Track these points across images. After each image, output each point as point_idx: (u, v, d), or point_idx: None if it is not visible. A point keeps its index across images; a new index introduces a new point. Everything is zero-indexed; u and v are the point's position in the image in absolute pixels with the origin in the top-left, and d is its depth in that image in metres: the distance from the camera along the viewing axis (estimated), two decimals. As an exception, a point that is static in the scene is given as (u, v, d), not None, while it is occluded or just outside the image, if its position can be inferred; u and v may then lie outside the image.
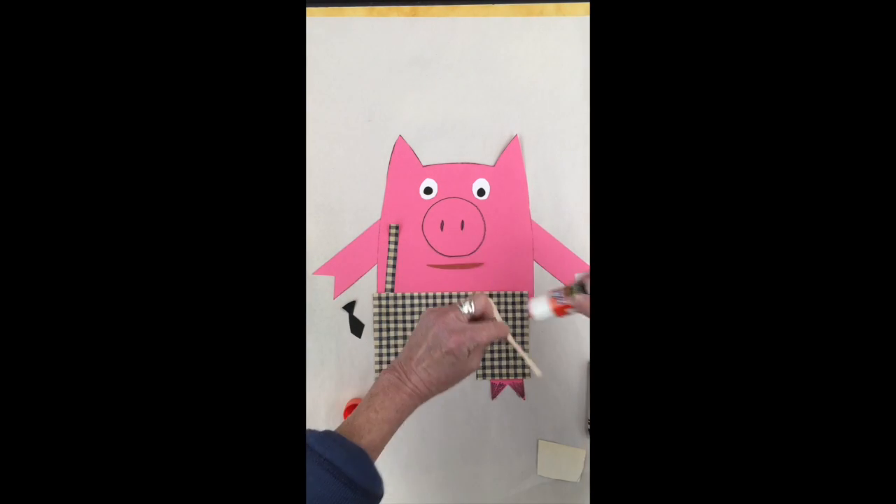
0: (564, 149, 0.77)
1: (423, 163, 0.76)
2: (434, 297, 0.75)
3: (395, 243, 0.75)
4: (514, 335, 0.75)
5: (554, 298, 0.61)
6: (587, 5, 0.76)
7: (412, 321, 0.75)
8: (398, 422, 0.54)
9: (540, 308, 0.62)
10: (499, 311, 0.60)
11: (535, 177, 0.77)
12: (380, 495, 0.50)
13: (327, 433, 0.50)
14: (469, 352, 0.54)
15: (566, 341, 0.75)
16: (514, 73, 0.77)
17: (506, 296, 0.76)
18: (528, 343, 0.75)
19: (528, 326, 0.76)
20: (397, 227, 0.75)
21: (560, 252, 0.76)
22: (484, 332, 0.55)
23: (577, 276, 0.60)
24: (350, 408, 0.74)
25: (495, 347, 0.75)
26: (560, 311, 0.61)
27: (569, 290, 0.61)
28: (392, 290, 0.75)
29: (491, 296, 0.75)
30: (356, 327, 0.75)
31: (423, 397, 0.55)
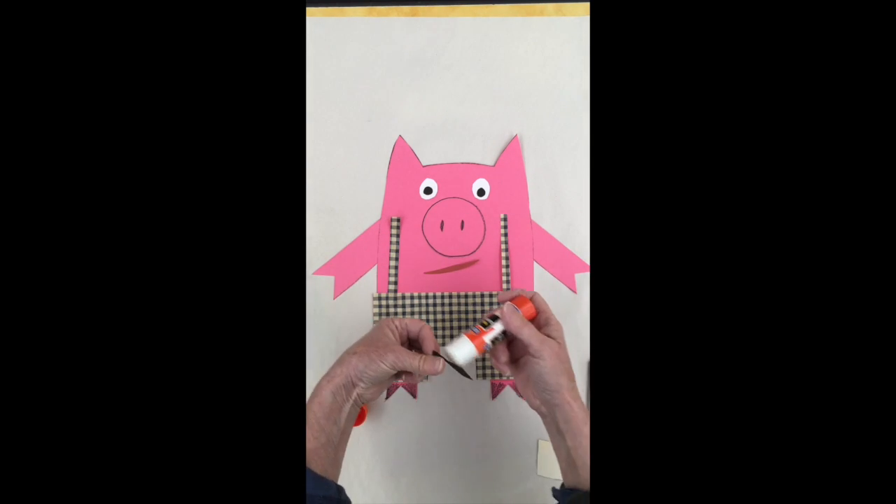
0: (564, 149, 0.77)
1: (423, 163, 0.76)
2: (434, 297, 0.75)
3: (398, 236, 0.75)
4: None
5: (472, 333, 0.60)
6: (587, 5, 0.76)
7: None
8: (331, 423, 0.55)
9: (464, 350, 0.59)
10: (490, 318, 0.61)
11: (535, 177, 0.76)
12: (329, 496, 0.51)
13: None
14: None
15: (566, 341, 0.75)
16: (514, 73, 0.77)
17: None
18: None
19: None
20: (399, 220, 0.75)
21: (560, 252, 0.76)
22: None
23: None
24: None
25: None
26: (481, 347, 0.60)
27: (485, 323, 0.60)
28: (395, 286, 0.75)
29: (490, 295, 0.75)
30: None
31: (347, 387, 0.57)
